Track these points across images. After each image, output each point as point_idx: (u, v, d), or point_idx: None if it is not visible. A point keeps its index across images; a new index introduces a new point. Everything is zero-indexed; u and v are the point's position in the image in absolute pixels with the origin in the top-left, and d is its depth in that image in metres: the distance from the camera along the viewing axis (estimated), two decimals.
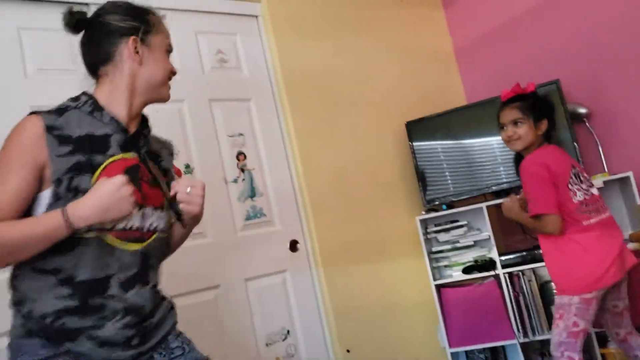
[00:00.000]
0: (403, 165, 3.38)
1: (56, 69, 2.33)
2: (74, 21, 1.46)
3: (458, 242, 3.23)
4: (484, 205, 3.08)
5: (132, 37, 1.45)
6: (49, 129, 1.34)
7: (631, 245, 2.69)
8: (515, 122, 2.31)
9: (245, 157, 2.81)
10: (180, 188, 1.48)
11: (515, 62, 3.54)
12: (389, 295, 3.09)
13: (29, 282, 1.36)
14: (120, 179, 1.31)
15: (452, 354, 3.12)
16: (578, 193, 2.24)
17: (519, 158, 2.40)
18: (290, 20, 3.09)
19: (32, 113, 1.38)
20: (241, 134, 2.82)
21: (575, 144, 3.05)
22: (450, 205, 3.26)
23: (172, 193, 1.49)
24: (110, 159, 1.40)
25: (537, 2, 3.42)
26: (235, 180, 2.75)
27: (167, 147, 1.67)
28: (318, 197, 2.94)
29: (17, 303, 1.37)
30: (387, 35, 3.54)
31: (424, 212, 3.29)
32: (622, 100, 3.08)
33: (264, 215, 2.80)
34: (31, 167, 1.32)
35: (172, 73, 1.57)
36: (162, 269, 1.59)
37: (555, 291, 2.29)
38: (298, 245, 2.86)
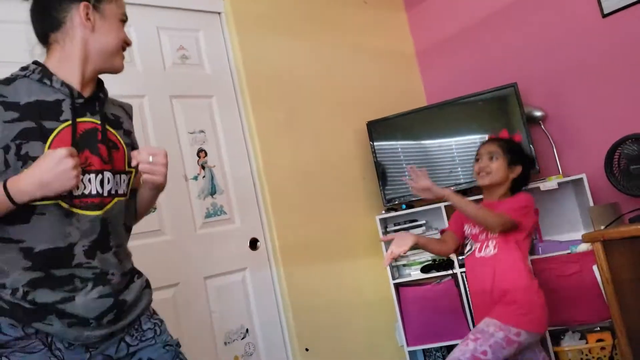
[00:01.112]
0: (364, 165, 3.41)
1: (14, 62, 2.24)
2: None
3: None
4: (442, 205, 3.13)
5: (84, 3, 1.41)
6: None
7: (584, 246, 2.76)
8: (491, 156, 2.36)
9: (206, 154, 2.78)
10: (142, 157, 1.45)
11: (474, 64, 3.60)
12: (348, 294, 3.11)
13: (1, 253, 1.33)
14: (61, 151, 1.25)
15: (409, 352, 3.16)
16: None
17: None
18: (253, 18, 3.07)
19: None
20: (202, 131, 2.79)
21: (531, 146, 3.12)
22: (409, 205, 3.30)
23: (133, 163, 1.46)
24: (64, 124, 1.37)
25: (496, 7, 3.49)
26: (195, 178, 2.72)
27: (125, 110, 1.64)
28: (279, 196, 2.94)
29: None
30: (350, 35, 3.56)
31: (383, 211, 3.32)
32: (577, 104, 3.17)
33: (224, 212, 2.78)
34: None
35: (126, 43, 1.52)
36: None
37: (494, 318, 2.19)
38: (258, 244, 2.85)
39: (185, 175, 2.68)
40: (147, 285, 1.56)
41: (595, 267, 2.48)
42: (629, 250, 2.53)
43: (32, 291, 1.31)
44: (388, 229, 3.32)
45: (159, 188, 1.57)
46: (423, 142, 3.34)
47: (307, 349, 2.82)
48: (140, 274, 1.55)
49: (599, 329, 2.86)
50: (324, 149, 3.23)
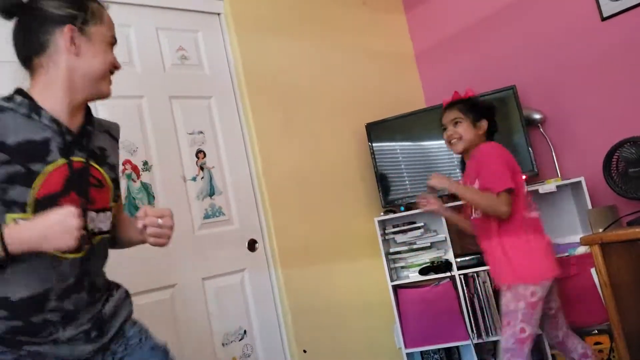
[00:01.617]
0: (362, 166, 3.41)
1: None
2: (8, 5, 1.34)
3: (415, 243, 3.27)
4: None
5: (68, 26, 1.33)
6: None
7: (582, 249, 2.77)
8: (455, 122, 2.38)
9: (204, 155, 2.78)
10: (150, 221, 1.39)
11: (473, 67, 3.60)
12: (347, 296, 3.10)
13: None
14: (70, 209, 1.20)
15: (407, 354, 3.16)
16: (525, 187, 2.34)
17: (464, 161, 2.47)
18: (252, 19, 3.07)
19: None
20: (201, 132, 2.79)
21: (529, 148, 3.12)
22: (408, 207, 3.29)
23: (139, 226, 1.40)
24: (51, 166, 1.29)
25: (495, 9, 3.50)
26: (194, 179, 2.72)
27: (111, 134, 1.55)
28: (277, 197, 2.94)
29: None
30: (349, 37, 3.56)
31: (382, 213, 3.32)
32: (576, 107, 3.17)
33: (222, 214, 2.78)
34: None
35: (114, 67, 1.44)
36: (116, 267, 1.56)
37: (503, 288, 2.26)
38: (257, 245, 2.85)
39: (183, 176, 2.68)
40: (127, 295, 1.55)
41: (593, 270, 2.49)
42: (627, 253, 2.54)
43: (14, 336, 1.28)
44: (387, 231, 3.32)
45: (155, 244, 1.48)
46: (422, 143, 3.34)
47: (305, 351, 2.82)
48: (118, 286, 1.53)
49: (596, 331, 2.86)
50: (322, 150, 3.23)
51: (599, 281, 2.41)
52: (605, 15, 3.03)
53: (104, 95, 1.44)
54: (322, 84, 3.32)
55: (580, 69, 3.15)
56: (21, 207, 1.25)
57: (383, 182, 3.35)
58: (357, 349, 3.07)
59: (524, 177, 2.42)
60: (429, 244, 3.25)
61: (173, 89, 2.73)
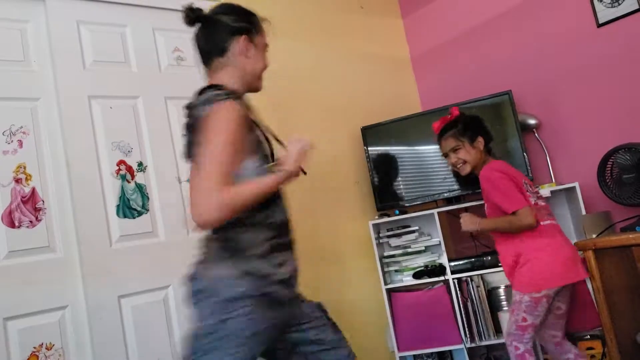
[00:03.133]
0: (358, 170, 3.41)
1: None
2: (193, 17, 1.73)
3: (409, 247, 3.27)
4: (435, 211, 3.13)
5: (244, 36, 1.73)
6: (240, 110, 1.62)
7: None
8: (454, 150, 2.52)
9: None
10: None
11: (469, 72, 3.62)
12: (340, 299, 3.10)
13: (244, 235, 1.62)
14: (307, 139, 1.80)
15: (400, 357, 3.16)
16: (533, 197, 2.42)
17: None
18: None
19: (227, 99, 1.59)
20: None
21: (524, 153, 3.13)
22: (402, 211, 3.30)
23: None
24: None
25: (492, 15, 3.51)
26: (188, 180, 2.71)
27: None
28: None
29: (232, 255, 1.61)
30: (346, 41, 3.57)
31: (376, 217, 3.32)
32: (571, 112, 3.19)
33: None
34: (240, 141, 1.59)
35: (265, 68, 1.83)
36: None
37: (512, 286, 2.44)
38: None
39: (178, 177, 2.68)
40: None
41: None
42: (620, 259, 2.55)
43: (271, 254, 1.63)
44: (381, 235, 3.32)
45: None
46: (417, 148, 3.35)
47: None
48: None
49: (589, 337, 2.87)
50: (318, 153, 3.21)
51: (592, 286, 2.42)
52: (601, 22, 3.04)
53: (260, 89, 1.85)
54: (318, 87, 3.32)
55: (575, 75, 3.16)
56: (270, 158, 1.74)
57: (378, 185, 3.35)
58: None
59: (530, 183, 2.51)
60: (423, 248, 3.25)
61: (169, 89, 2.73)
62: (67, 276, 2.28)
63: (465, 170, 2.51)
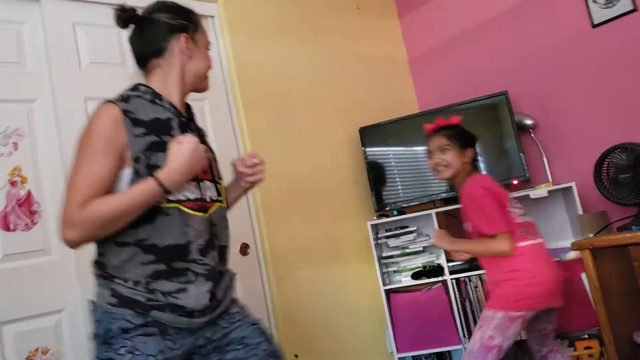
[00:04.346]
0: (355, 171, 3.41)
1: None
2: (125, 17, 1.62)
3: (407, 247, 3.27)
4: (433, 211, 3.14)
5: (184, 34, 1.62)
6: (125, 112, 1.50)
7: (573, 254, 2.78)
8: (442, 149, 2.38)
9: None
10: (248, 162, 1.78)
11: (466, 72, 3.62)
12: (339, 300, 3.10)
13: (116, 255, 1.50)
14: (193, 139, 1.50)
15: (399, 358, 3.16)
16: (517, 216, 2.31)
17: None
18: (246, 22, 3.07)
19: (106, 102, 1.53)
20: None
21: (521, 154, 3.13)
22: (400, 211, 3.30)
23: (241, 169, 1.78)
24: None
25: (488, 16, 3.52)
26: None
27: (201, 130, 1.83)
28: (270, 201, 2.93)
29: (104, 276, 1.51)
30: (342, 41, 3.56)
31: (375, 217, 3.32)
32: (567, 112, 3.19)
33: None
34: (115, 149, 1.46)
35: (210, 67, 1.73)
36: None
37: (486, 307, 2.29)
38: (248, 249, 2.84)
39: None
40: (233, 278, 1.75)
41: (583, 275, 2.50)
42: (617, 258, 2.55)
43: (154, 282, 1.49)
44: (379, 235, 3.32)
45: (249, 189, 1.87)
46: (415, 148, 3.35)
47: (296, 356, 2.81)
48: (228, 270, 1.73)
49: (587, 336, 2.87)
50: (316, 154, 3.23)
51: (590, 286, 2.42)
52: (596, 22, 3.05)
53: (205, 89, 1.74)
54: (315, 88, 3.32)
55: (571, 75, 3.17)
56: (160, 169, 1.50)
57: (376, 186, 3.35)
58: (349, 353, 3.06)
59: (514, 200, 2.40)
60: (421, 248, 3.25)
61: None
62: (64, 279, 2.27)
63: (445, 174, 2.38)
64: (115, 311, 1.47)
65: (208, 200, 1.62)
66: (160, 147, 1.51)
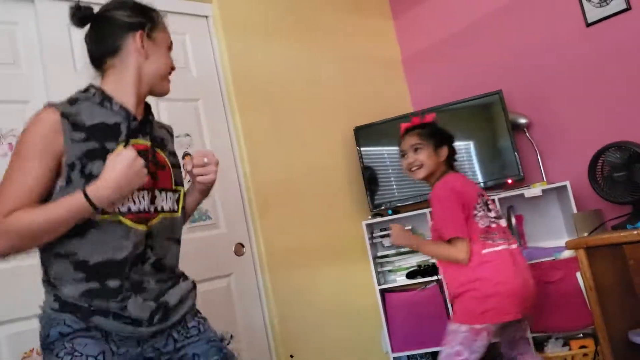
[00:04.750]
0: (350, 170, 3.41)
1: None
2: (81, 15, 1.54)
3: (402, 247, 3.27)
4: (427, 210, 3.14)
5: (139, 32, 1.52)
6: (64, 115, 1.40)
7: (567, 253, 2.79)
8: (415, 149, 2.31)
9: (191, 158, 2.76)
10: (197, 161, 1.66)
11: (460, 72, 3.63)
12: (334, 300, 3.10)
13: (53, 266, 1.44)
14: (130, 152, 1.38)
15: (394, 358, 3.16)
16: (482, 220, 2.20)
17: None
18: (240, 22, 3.07)
19: (47, 105, 1.44)
20: (188, 135, 2.78)
21: (515, 153, 3.14)
22: (395, 210, 3.30)
23: (188, 168, 1.66)
24: (122, 145, 1.47)
25: (482, 15, 3.52)
26: None
27: (168, 131, 1.75)
28: (265, 200, 2.93)
29: (48, 283, 1.46)
30: (337, 42, 3.57)
31: (370, 217, 3.33)
32: (562, 111, 3.20)
33: (209, 217, 2.77)
34: (49, 155, 1.38)
35: (172, 68, 1.63)
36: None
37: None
38: (244, 249, 2.84)
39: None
40: (193, 287, 1.67)
41: (578, 274, 2.50)
42: (612, 257, 2.56)
43: (89, 300, 1.41)
44: (374, 235, 3.32)
45: (208, 189, 1.76)
46: None
47: (292, 356, 2.81)
48: (186, 278, 1.67)
49: (582, 335, 2.88)
50: (311, 154, 3.22)
51: (584, 285, 2.43)
52: (590, 21, 3.06)
53: (165, 92, 1.64)
54: (310, 88, 3.32)
55: (565, 74, 3.18)
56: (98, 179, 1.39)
57: (371, 185, 3.36)
58: (345, 353, 3.06)
59: (488, 199, 2.32)
60: None
61: None
62: None
63: (419, 175, 2.29)
64: (56, 316, 1.42)
65: (152, 211, 1.52)
66: (99, 155, 1.41)
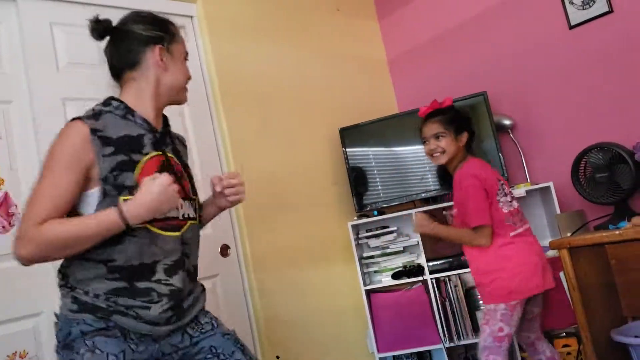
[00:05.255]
0: (336, 171, 3.41)
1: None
2: (101, 29, 1.59)
3: (388, 247, 3.28)
4: (413, 211, 3.15)
5: (159, 46, 1.59)
6: (93, 131, 1.46)
7: (551, 253, 2.81)
8: (437, 136, 2.39)
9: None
10: (227, 183, 1.73)
11: (445, 73, 3.65)
12: (320, 301, 3.10)
13: (81, 271, 1.49)
14: (166, 179, 1.44)
15: (380, 358, 3.17)
16: (505, 205, 2.35)
17: (444, 169, 2.51)
18: (226, 23, 3.06)
19: (74, 119, 1.49)
20: None
21: (500, 154, 3.16)
22: (381, 211, 3.31)
23: (218, 189, 1.74)
24: (147, 157, 1.53)
25: (467, 17, 3.55)
26: None
27: (181, 141, 1.81)
28: (251, 202, 2.90)
29: (66, 286, 1.51)
30: (323, 43, 3.57)
31: (355, 218, 3.33)
32: (545, 113, 3.23)
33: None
34: (80, 168, 1.44)
35: (188, 78, 1.70)
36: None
37: (481, 300, 2.40)
38: (229, 250, 2.83)
39: None
40: (203, 290, 1.75)
41: (562, 274, 2.53)
42: (595, 257, 2.59)
43: (114, 297, 1.48)
44: (360, 235, 3.33)
45: (231, 207, 1.83)
46: (395, 149, 3.36)
47: (278, 357, 2.80)
48: (198, 283, 1.73)
49: (565, 334, 2.91)
50: (296, 155, 3.22)
51: (568, 285, 2.46)
52: (572, 23, 3.09)
53: (183, 101, 1.72)
54: (296, 89, 3.32)
55: (549, 76, 3.21)
56: (129, 189, 1.47)
57: (356, 186, 3.36)
58: (331, 353, 3.06)
59: (506, 184, 2.44)
60: (401, 248, 3.27)
61: None
62: (42, 282, 2.23)
63: (441, 160, 2.40)
64: (76, 317, 1.47)
65: (181, 218, 1.60)
66: (129, 167, 1.49)
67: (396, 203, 3.32)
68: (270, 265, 2.92)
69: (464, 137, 2.40)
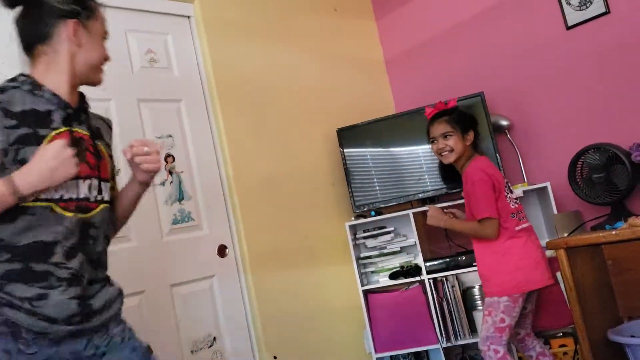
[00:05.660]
0: (333, 171, 3.41)
1: None
2: None
3: (385, 248, 3.28)
4: (410, 212, 3.15)
5: (74, 20, 1.48)
6: None
7: (548, 253, 2.81)
8: (445, 135, 2.48)
9: (173, 159, 2.75)
10: (138, 150, 1.56)
11: (442, 74, 3.65)
12: (317, 301, 3.10)
13: None
14: (60, 142, 1.35)
15: (377, 358, 3.17)
16: (512, 201, 2.45)
17: (445, 167, 2.58)
18: (223, 23, 3.06)
19: None
20: (170, 136, 2.76)
21: (497, 154, 3.17)
22: (378, 212, 3.31)
23: (128, 157, 1.56)
24: (55, 131, 1.43)
25: (464, 18, 3.55)
26: (162, 183, 2.69)
27: (106, 123, 1.71)
28: (248, 202, 2.92)
29: None
30: (320, 43, 3.57)
31: (353, 218, 3.33)
32: (542, 113, 3.24)
33: (192, 219, 2.75)
34: None
35: (106, 59, 1.61)
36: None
37: (485, 292, 2.47)
38: (226, 251, 2.82)
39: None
40: (120, 294, 1.60)
41: (558, 274, 2.53)
42: (591, 257, 2.59)
43: (7, 284, 1.36)
44: (357, 236, 3.33)
45: (151, 179, 1.64)
46: (392, 149, 3.36)
47: (275, 357, 2.80)
48: (112, 284, 1.60)
49: (561, 334, 2.91)
50: (293, 155, 3.22)
51: (564, 285, 2.46)
52: (570, 24, 3.10)
53: (98, 82, 1.60)
54: (293, 89, 3.32)
55: (546, 77, 3.21)
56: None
57: (354, 187, 3.36)
58: (328, 354, 3.06)
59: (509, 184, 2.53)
60: (398, 249, 3.27)
61: (141, 91, 2.70)
62: None
63: (449, 159, 2.49)
64: None
65: (92, 200, 1.49)
66: (32, 141, 1.38)
67: (393, 203, 3.32)
68: (268, 265, 2.92)
69: (471, 135, 2.50)
